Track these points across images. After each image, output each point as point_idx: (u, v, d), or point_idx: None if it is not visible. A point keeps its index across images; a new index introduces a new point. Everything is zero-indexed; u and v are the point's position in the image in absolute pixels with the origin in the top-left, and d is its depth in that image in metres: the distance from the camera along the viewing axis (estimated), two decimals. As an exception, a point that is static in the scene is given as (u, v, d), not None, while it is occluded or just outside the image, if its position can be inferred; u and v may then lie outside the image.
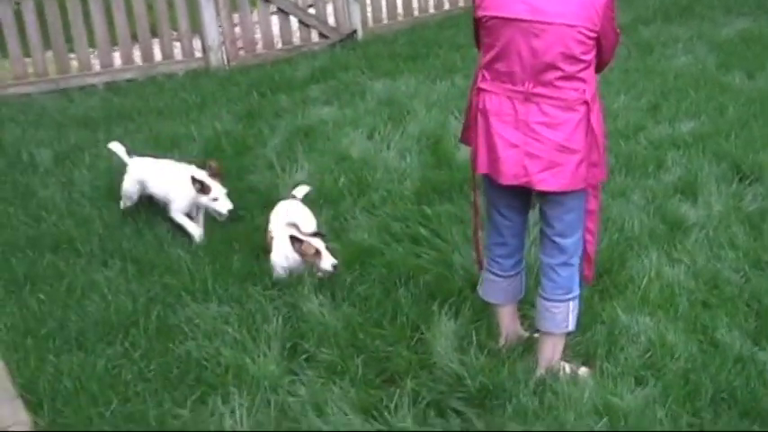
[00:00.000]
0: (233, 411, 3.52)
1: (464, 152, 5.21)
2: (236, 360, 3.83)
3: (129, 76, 8.71)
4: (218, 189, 4.94)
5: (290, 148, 6.35)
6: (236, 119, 7.15)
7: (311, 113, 7.15)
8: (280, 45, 9.54)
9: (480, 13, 3.33)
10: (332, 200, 5.44)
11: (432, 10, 10.69)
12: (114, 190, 5.57)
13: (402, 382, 3.69)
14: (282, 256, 4.43)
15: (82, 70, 8.60)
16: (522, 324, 4.00)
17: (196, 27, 9.03)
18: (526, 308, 4.06)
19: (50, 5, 8.35)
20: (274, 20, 9.48)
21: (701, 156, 5.78)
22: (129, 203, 5.38)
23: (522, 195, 3.54)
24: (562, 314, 3.59)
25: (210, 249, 4.87)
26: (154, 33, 8.96)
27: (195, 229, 5.08)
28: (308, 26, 9.59)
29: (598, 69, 3.41)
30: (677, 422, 3.41)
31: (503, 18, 3.24)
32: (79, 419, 3.54)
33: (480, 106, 3.38)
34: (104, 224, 5.24)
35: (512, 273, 3.77)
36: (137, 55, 8.87)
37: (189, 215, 5.15)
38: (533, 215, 3.76)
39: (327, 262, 4.29)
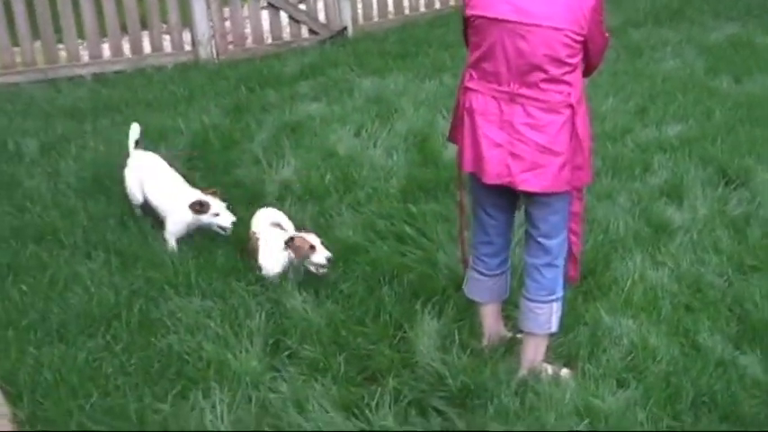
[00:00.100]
0: (214, 406, 3.51)
1: (451, 151, 5.22)
2: (217, 355, 3.81)
3: (117, 67, 8.65)
4: (216, 204, 4.75)
5: (276, 144, 6.34)
6: (224, 113, 7.13)
7: (299, 109, 7.13)
8: (269, 40, 9.51)
9: (468, 12, 3.34)
10: (317, 196, 5.43)
11: (422, 8, 10.69)
12: (100, 182, 5.53)
13: (384, 380, 3.69)
14: (273, 259, 4.41)
15: (70, 61, 8.55)
16: (505, 325, 4.01)
17: (186, 20, 9.00)
18: (509, 308, 4.06)
19: (39, -5, 8.31)
20: (264, 15, 9.46)
21: (687, 159, 5.81)
22: (135, 203, 5.14)
23: (508, 195, 3.54)
24: (545, 315, 3.60)
25: (194, 244, 4.85)
26: (143, 25, 8.92)
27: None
28: (298, 22, 9.57)
29: (586, 73, 3.43)
30: (658, 425, 3.43)
31: (489, 18, 3.25)
32: (59, 412, 3.52)
33: (467, 105, 3.39)
34: (89, 216, 5.19)
35: (497, 272, 3.77)
36: (126, 47, 8.81)
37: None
38: (519, 216, 3.76)
39: (321, 255, 4.29)
